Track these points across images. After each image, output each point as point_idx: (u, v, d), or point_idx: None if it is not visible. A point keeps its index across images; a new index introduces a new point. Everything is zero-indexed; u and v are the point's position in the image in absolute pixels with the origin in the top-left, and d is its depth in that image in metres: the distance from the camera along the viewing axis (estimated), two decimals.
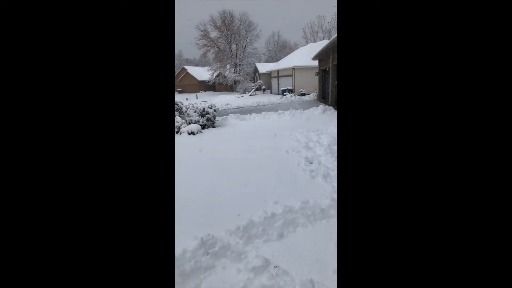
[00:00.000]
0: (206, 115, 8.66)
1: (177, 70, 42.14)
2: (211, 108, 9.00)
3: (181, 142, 6.97)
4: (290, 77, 21.55)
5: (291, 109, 11.34)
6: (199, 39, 30.18)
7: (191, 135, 7.62)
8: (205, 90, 35.17)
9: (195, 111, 8.79)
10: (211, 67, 31.01)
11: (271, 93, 25.44)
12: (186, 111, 8.90)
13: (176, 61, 63.94)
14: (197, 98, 24.39)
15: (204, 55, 34.16)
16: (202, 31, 29.73)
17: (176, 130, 7.89)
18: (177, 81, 38.01)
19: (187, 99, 20.60)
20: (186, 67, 39.82)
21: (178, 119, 8.14)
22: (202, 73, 35.51)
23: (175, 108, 8.77)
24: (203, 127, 8.39)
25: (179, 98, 20.41)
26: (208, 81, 32.11)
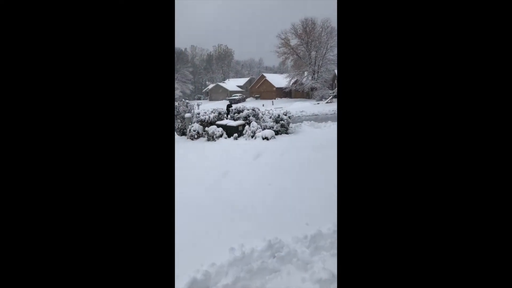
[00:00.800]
0: (280, 121, 8.84)
1: (256, 77, 44.24)
2: (285, 115, 9.14)
3: (254, 146, 7.31)
4: None
5: None
6: (279, 47, 31.06)
7: (265, 140, 7.90)
8: (281, 97, 35.87)
9: (270, 117, 9.07)
10: (289, 74, 31.45)
11: None
12: (261, 117, 9.28)
13: (256, 69, 67.14)
14: (273, 104, 25.10)
15: (283, 62, 34.93)
16: (282, 39, 30.51)
17: (251, 134, 8.31)
18: (255, 87, 39.90)
19: (263, 105, 21.43)
20: (264, 74, 41.47)
21: (254, 124, 8.55)
22: (279, 80, 36.35)
23: (253, 114, 9.25)
24: (277, 133, 8.58)
25: (256, 104, 21.37)
26: (285, 88, 32.63)
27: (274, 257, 2.35)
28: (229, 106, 10.55)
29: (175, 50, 50.62)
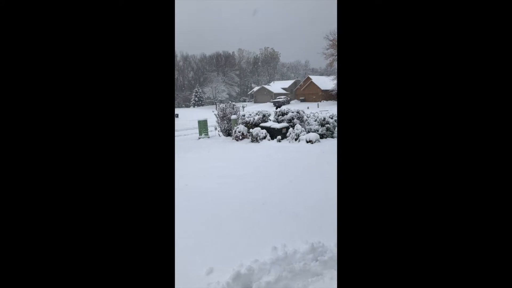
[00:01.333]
0: (325, 125, 8.64)
1: (302, 80, 43.77)
2: (331, 118, 8.91)
3: (298, 148, 7.27)
4: None
5: None
6: (327, 49, 30.32)
7: (309, 143, 7.80)
8: (326, 100, 34.92)
9: (315, 120, 8.93)
10: (336, 76, 30.49)
11: None
12: (306, 120, 9.18)
13: (302, 71, 66.39)
14: (318, 107, 24.59)
15: (330, 64, 34.00)
16: (331, 40, 29.72)
17: (295, 137, 8.27)
18: (301, 90, 39.49)
19: (308, 107, 21.13)
20: (310, 76, 40.80)
21: (298, 127, 8.50)
22: (325, 82, 35.47)
23: (297, 116, 9.20)
24: (322, 136, 8.41)
25: (300, 106, 21.18)
26: (331, 90, 31.76)
27: (316, 260, 2.34)
28: (277, 108, 10.67)
29: (223, 54, 52.75)
